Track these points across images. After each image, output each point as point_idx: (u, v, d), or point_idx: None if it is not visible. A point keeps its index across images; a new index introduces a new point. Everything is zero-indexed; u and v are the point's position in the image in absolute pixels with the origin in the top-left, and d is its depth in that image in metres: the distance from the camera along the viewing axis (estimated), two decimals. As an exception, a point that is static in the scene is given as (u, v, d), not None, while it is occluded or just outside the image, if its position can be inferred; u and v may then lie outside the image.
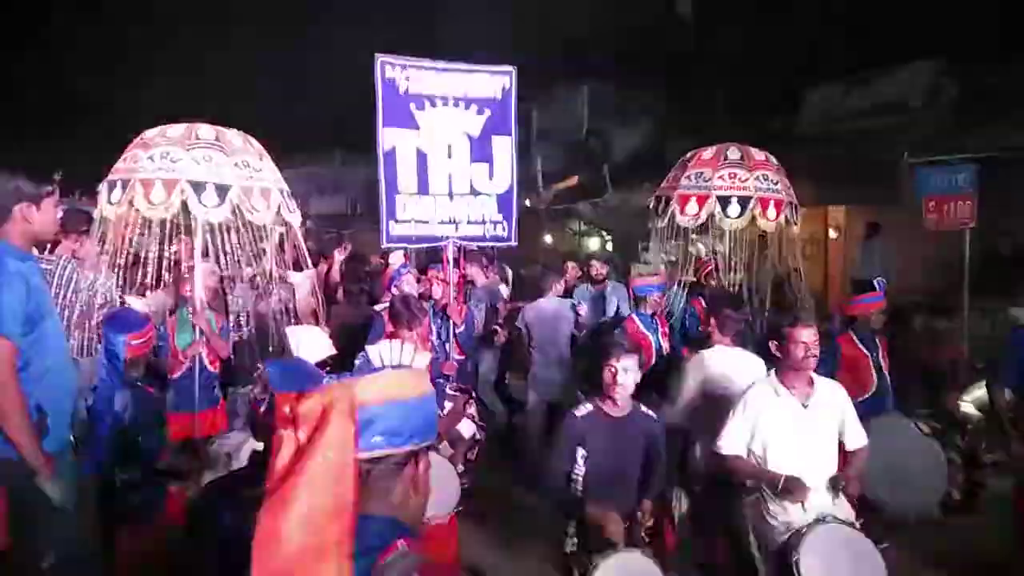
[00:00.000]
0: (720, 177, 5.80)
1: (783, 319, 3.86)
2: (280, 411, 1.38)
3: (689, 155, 6.14)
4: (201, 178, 4.35)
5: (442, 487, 4.09)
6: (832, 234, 12.95)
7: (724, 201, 5.75)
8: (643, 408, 3.85)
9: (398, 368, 1.49)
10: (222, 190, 4.38)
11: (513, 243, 5.98)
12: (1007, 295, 7.74)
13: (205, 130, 4.51)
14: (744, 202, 5.73)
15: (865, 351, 4.95)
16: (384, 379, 1.46)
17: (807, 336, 3.63)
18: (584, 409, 3.77)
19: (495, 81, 5.76)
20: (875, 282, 5.33)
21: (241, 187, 4.45)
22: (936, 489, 4.84)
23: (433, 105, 5.54)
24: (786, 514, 3.61)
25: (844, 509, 3.67)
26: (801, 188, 6.89)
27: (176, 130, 4.49)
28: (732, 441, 3.78)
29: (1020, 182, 8.80)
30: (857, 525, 3.59)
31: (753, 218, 5.79)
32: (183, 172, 4.34)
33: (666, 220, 6.07)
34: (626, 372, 3.66)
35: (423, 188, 5.55)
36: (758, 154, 5.94)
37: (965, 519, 5.53)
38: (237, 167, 4.45)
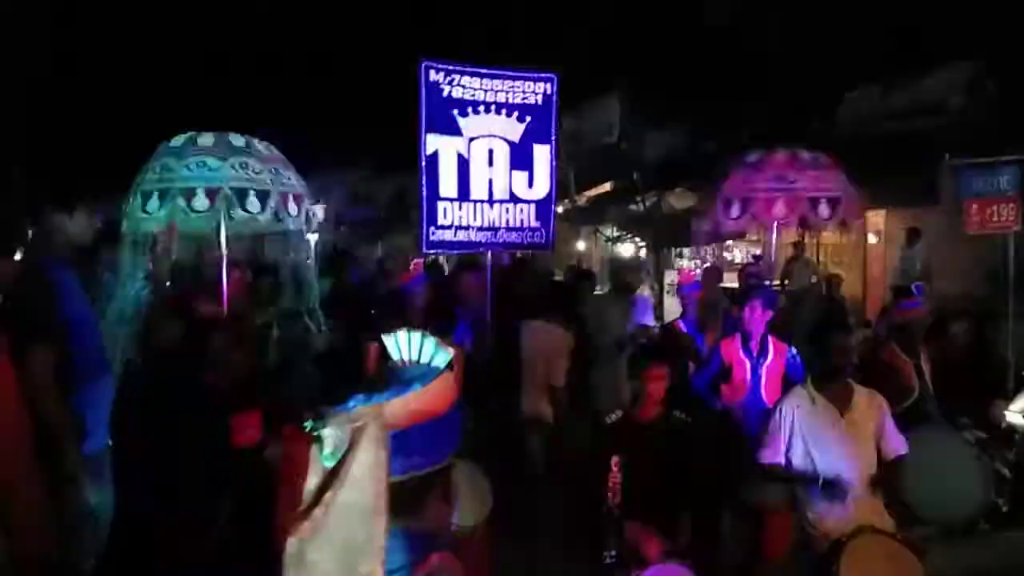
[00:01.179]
0: (807, 178, 5.83)
1: (822, 326, 3.82)
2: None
3: (755, 157, 6.09)
4: (243, 185, 4.40)
5: (475, 496, 4.06)
6: (872, 239, 12.73)
7: (814, 202, 5.73)
8: (675, 413, 3.81)
9: (425, 379, 1.37)
10: (263, 195, 4.43)
11: (550, 251, 6.00)
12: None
13: (236, 138, 4.56)
14: (834, 203, 5.72)
15: (906, 358, 4.84)
16: (415, 398, 1.35)
17: (843, 342, 3.58)
18: (614, 416, 3.75)
19: (537, 88, 5.77)
20: (914, 287, 5.23)
21: (279, 192, 4.49)
22: (981, 501, 4.70)
23: (476, 111, 5.56)
24: (825, 524, 3.54)
25: (885, 520, 3.60)
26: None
27: (207, 139, 4.55)
28: (771, 450, 3.76)
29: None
30: (898, 536, 3.52)
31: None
32: (224, 179, 4.39)
33: (732, 222, 6.11)
34: (659, 380, 3.64)
35: (464, 194, 5.56)
36: (822, 156, 5.93)
37: (1013, 531, 5.39)
38: (271, 173, 4.49)
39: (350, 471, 1.26)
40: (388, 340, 1.41)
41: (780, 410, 3.79)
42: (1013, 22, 10.62)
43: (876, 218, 12.45)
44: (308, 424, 1.29)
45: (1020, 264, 8.37)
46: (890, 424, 3.75)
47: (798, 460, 3.69)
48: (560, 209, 18.91)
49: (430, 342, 1.40)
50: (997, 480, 5.13)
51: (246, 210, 4.42)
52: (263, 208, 4.44)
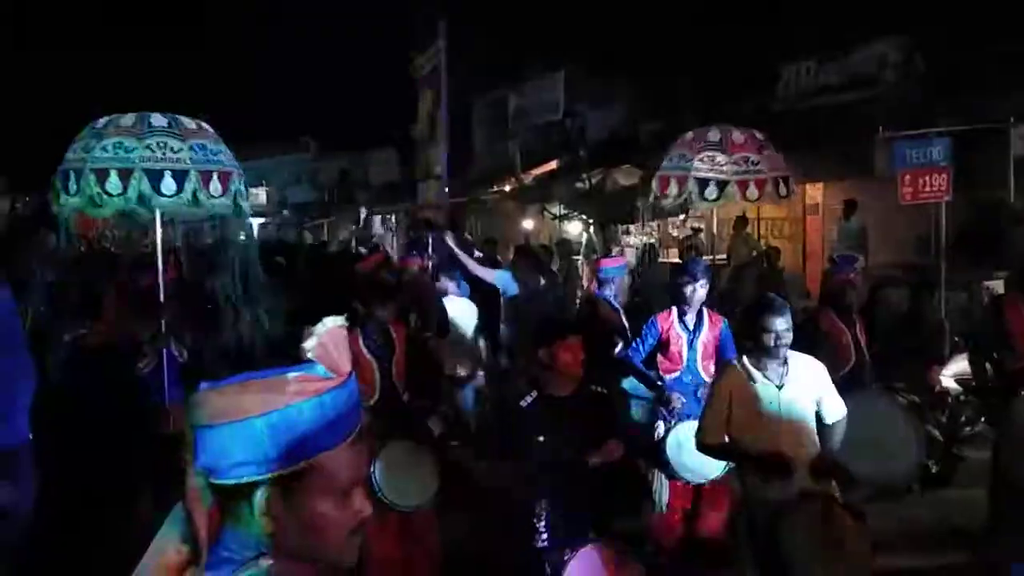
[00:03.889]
0: (700, 160, 5.78)
1: (755, 306, 3.82)
2: None
3: (690, 135, 6.10)
4: (158, 166, 4.20)
5: (418, 476, 4.02)
6: (809, 211, 12.97)
7: (702, 183, 5.73)
8: (593, 387, 3.79)
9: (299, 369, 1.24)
10: (180, 176, 4.22)
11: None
12: (983, 267, 7.81)
13: (157, 118, 4.35)
14: (722, 185, 5.71)
15: (843, 326, 4.93)
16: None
17: (778, 325, 3.58)
18: (529, 398, 3.69)
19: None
20: (850, 258, 5.33)
21: (199, 171, 4.29)
22: (914, 463, 4.84)
23: None
24: (768, 492, 3.57)
25: (826, 485, 3.64)
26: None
27: (128, 119, 4.32)
28: (710, 431, 3.77)
29: (991, 154, 8.83)
30: (840, 500, 3.58)
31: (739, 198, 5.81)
32: (138, 160, 4.18)
33: (649, 201, 6.12)
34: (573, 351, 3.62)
35: None
36: (740, 136, 5.88)
37: (944, 491, 5.58)
38: (193, 151, 4.29)
39: None
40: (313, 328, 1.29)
41: (717, 387, 3.81)
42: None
43: (814, 191, 12.68)
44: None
45: (951, 233, 8.66)
46: (828, 389, 3.79)
47: (737, 435, 3.70)
48: (507, 187, 18.91)
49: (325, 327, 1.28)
50: (929, 442, 5.29)
51: (161, 192, 4.21)
52: (180, 190, 4.23)
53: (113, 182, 4.09)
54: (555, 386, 3.67)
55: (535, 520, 3.58)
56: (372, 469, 3.85)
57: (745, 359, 3.74)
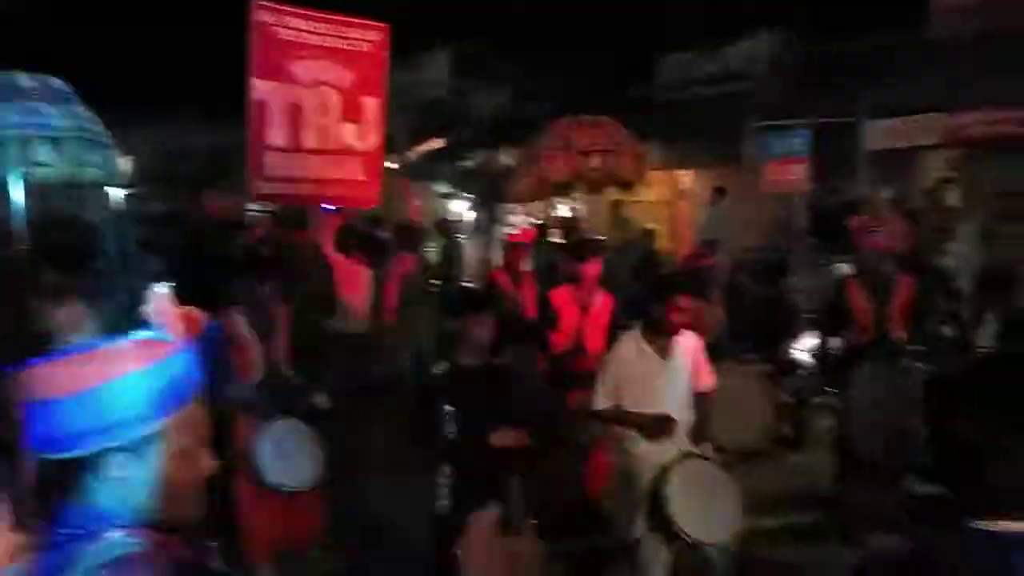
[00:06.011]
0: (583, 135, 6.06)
1: (663, 283, 4.10)
2: None
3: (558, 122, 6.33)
4: (29, 132, 3.95)
5: (304, 455, 3.96)
6: (682, 197, 13.56)
7: (586, 155, 6.02)
8: (498, 359, 3.93)
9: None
10: (55, 143, 3.98)
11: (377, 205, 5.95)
12: (832, 251, 8.47)
13: (23, 79, 4.08)
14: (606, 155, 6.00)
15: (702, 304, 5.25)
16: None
17: (683, 302, 3.86)
18: (441, 367, 3.81)
19: (368, 36, 5.61)
20: (712, 242, 5.69)
21: (75, 138, 4.07)
22: (769, 428, 5.27)
23: (308, 57, 5.33)
24: (650, 455, 3.86)
25: (698, 446, 3.98)
26: (656, 151, 7.22)
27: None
28: (603, 396, 4.02)
29: (846, 146, 9.57)
30: (714, 459, 3.92)
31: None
32: (7, 126, 3.94)
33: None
34: (484, 326, 3.75)
35: (294, 144, 5.34)
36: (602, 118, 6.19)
37: (796, 456, 6.07)
38: (65, 119, 4.08)
39: None
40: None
41: (611, 358, 4.07)
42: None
43: (686, 177, 13.29)
44: None
45: (810, 218, 9.34)
46: (702, 360, 4.12)
47: (625, 403, 3.98)
48: (391, 165, 18.66)
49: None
50: (782, 410, 5.76)
51: (36, 162, 3.99)
52: (58, 156, 4.03)
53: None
54: (464, 356, 3.78)
55: (436, 487, 3.66)
56: (255, 450, 3.84)
57: (638, 331, 4.02)
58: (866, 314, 4.73)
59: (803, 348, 6.28)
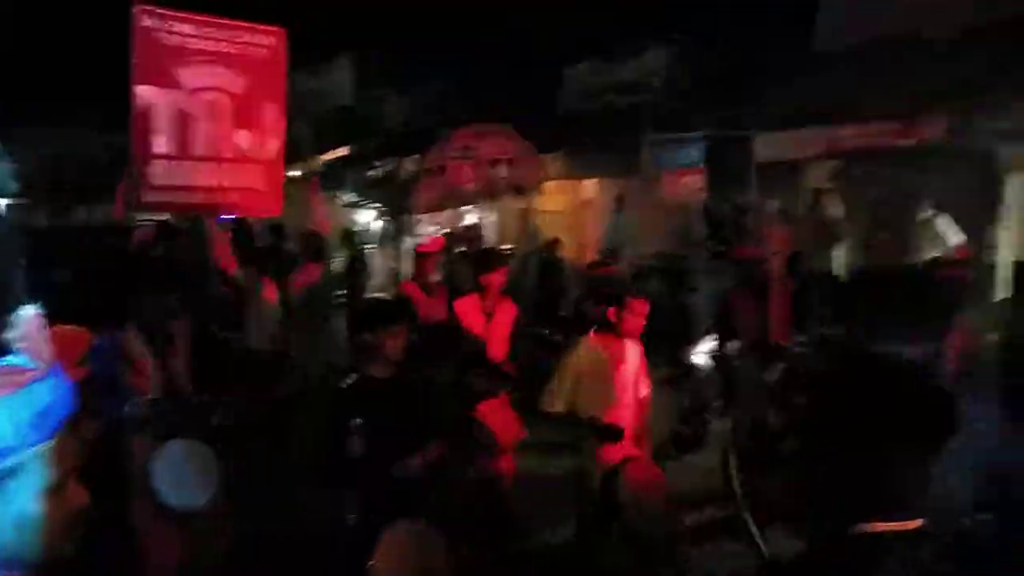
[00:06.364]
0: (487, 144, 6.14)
1: (618, 289, 4.28)
2: None
3: (447, 131, 6.39)
4: None
5: (199, 475, 3.82)
6: (585, 206, 13.84)
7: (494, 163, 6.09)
8: (412, 372, 3.95)
9: None
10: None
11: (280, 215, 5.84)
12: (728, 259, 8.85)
13: None
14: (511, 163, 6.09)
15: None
16: None
17: (639, 308, 4.06)
18: (350, 380, 3.78)
19: (263, 40, 5.51)
20: (614, 250, 5.89)
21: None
22: (666, 430, 5.48)
23: (196, 62, 5.20)
24: (605, 455, 4.06)
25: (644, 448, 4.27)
26: (559, 161, 7.38)
27: None
28: (556, 400, 4.16)
29: (739, 157, 10.02)
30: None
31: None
32: None
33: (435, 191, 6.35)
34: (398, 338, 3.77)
35: (183, 152, 5.20)
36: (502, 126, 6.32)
37: (694, 455, 6.32)
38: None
39: None
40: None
41: (567, 360, 4.22)
42: (703, 16, 12.03)
43: (589, 187, 13.59)
44: None
45: (707, 226, 9.72)
46: (644, 367, 4.34)
47: (578, 405, 4.13)
48: (296, 173, 18.25)
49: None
50: (681, 410, 6.00)
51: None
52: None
53: None
54: (375, 368, 3.76)
55: (348, 501, 3.66)
56: (150, 471, 3.72)
57: (594, 335, 4.16)
58: (749, 319, 5.01)
59: (700, 353, 6.56)
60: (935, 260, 6.55)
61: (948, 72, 7.61)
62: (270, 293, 6.55)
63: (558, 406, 4.18)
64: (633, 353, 4.25)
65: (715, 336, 5.57)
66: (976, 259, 7.00)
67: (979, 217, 7.76)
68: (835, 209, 9.41)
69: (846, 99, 8.83)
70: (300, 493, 4.77)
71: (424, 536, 3.37)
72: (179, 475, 3.77)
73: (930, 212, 7.65)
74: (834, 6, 9.78)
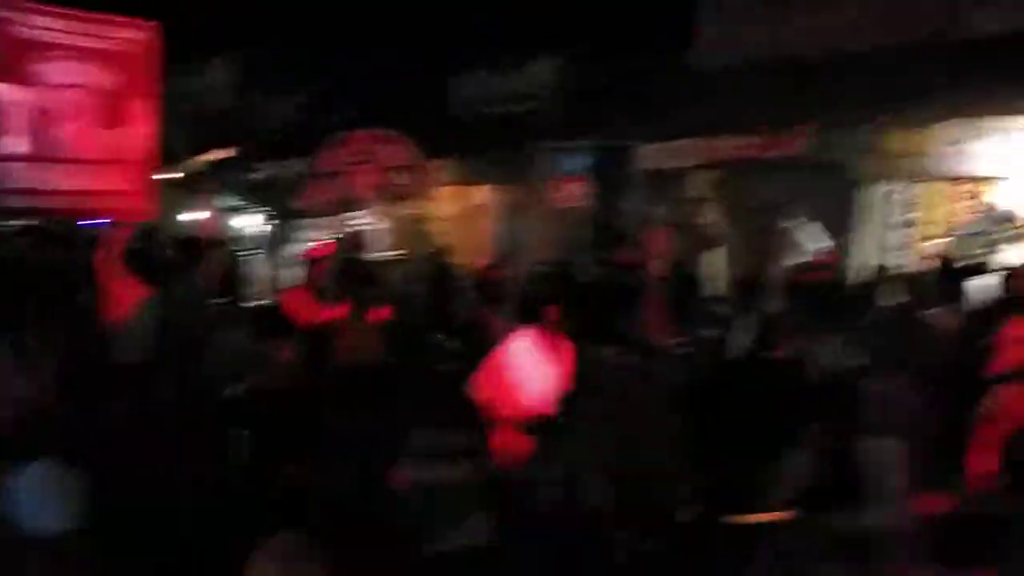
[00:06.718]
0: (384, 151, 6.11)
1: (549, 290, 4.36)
2: None
3: (342, 135, 6.32)
4: None
5: (60, 498, 3.61)
6: (477, 213, 13.94)
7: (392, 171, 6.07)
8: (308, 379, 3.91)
9: None
10: None
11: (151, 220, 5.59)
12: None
13: None
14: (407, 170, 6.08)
15: (498, 318, 5.52)
16: None
17: (575, 309, 4.33)
18: (238, 389, 3.71)
19: (133, 35, 5.24)
20: (507, 256, 5.99)
21: None
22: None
23: (59, 57, 4.90)
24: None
25: None
26: (452, 168, 7.42)
27: None
28: (484, 387, 4.26)
29: (624, 166, 10.38)
30: None
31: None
32: None
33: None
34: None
35: (43, 152, 4.88)
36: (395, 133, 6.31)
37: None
38: None
39: None
40: None
41: (500, 352, 4.32)
42: (596, 23, 12.36)
43: (482, 193, 13.70)
44: None
45: (595, 232, 10.00)
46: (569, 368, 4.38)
47: (500, 396, 4.23)
48: (174, 175, 17.45)
49: None
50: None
51: None
52: None
53: None
54: (264, 378, 3.70)
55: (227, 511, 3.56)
56: (9, 495, 3.47)
57: (531, 334, 4.30)
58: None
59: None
60: (799, 265, 6.99)
61: (812, 91, 8.20)
62: (143, 300, 6.23)
63: (483, 393, 4.29)
64: (564, 352, 4.39)
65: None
66: (837, 263, 7.51)
67: (838, 224, 8.38)
68: (713, 216, 9.89)
69: (723, 113, 9.32)
70: (175, 508, 4.58)
71: (302, 547, 3.33)
72: (41, 498, 3.54)
73: (795, 219, 8.17)
74: (712, 26, 10.32)
